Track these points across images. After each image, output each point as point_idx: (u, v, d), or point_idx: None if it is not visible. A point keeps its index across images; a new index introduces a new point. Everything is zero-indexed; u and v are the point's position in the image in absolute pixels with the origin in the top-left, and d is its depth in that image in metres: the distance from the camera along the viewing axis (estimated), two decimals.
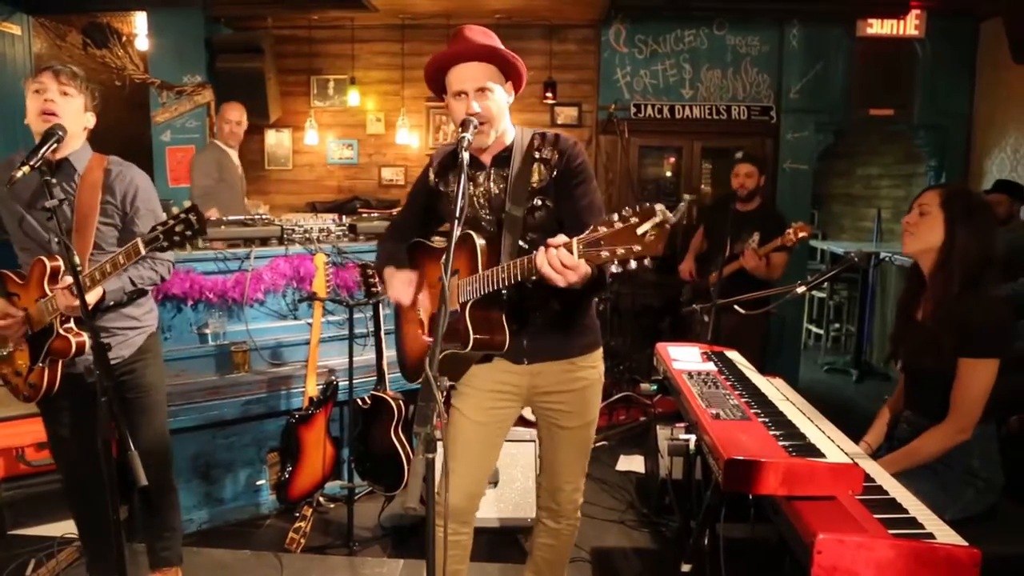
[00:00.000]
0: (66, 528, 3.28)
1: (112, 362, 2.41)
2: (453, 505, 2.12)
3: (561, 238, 1.64)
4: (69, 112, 2.31)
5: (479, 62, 2.00)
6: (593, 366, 2.23)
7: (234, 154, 4.89)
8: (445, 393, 1.49)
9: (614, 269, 1.54)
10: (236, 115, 4.80)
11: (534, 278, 1.73)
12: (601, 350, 2.27)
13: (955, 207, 2.17)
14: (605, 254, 1.52)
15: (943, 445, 2.15)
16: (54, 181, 2.31)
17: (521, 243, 2.04)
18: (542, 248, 1.67)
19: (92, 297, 2.26)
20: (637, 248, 1.47)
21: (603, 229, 1.52)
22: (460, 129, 1.90)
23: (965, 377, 2.12)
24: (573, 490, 2.32)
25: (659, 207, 1.47)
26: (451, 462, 2.12)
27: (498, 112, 2.02)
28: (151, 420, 2.63)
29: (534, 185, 2.07)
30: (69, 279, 2.19)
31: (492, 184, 2.12)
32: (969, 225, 2.16)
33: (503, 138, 2.10)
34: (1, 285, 2.49)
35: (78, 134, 2.40)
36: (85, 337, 2.32)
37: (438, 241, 2.35)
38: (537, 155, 2.09)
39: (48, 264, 2.30)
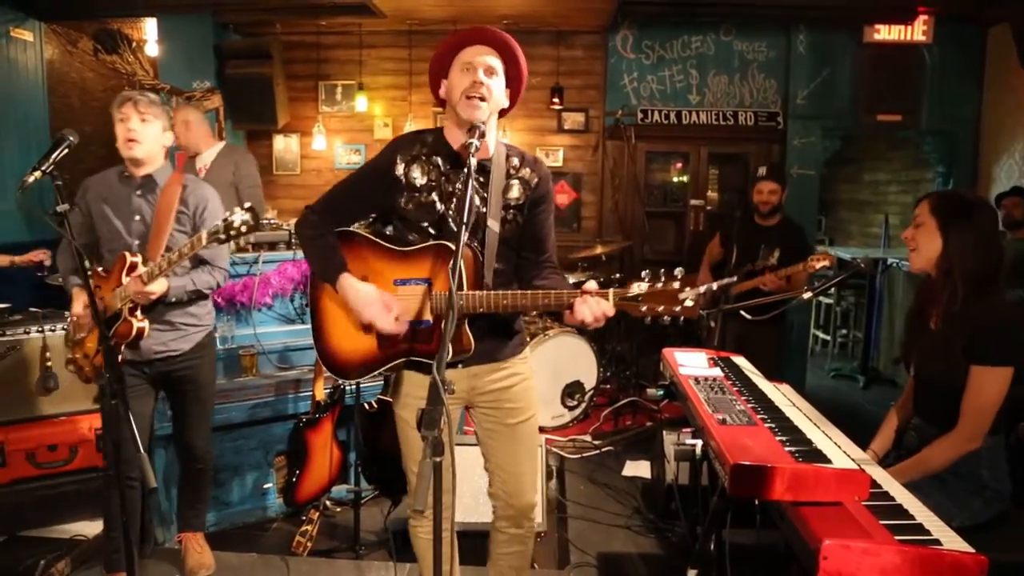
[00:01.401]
0: (77, 530, 3.31)
1: (171, 355, 2.84)
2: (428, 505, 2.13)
3: (592, 285, 1.78)
4: (148, 137, 2.72)
5: (495, 51, 2.03)
6: (524, 361, 2.26)
7: (199, 160, 4.39)
8: (451, 392, 1.51)
9: (646, 322, 1.70)
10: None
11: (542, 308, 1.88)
12: (528, 349, 2.33)
13: (946, 211, 2.18)
14: (644, 308, 1.68)
15: (952, 454, 2.14)
16: (99, 190, 2.78)
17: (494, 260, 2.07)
18: (579, 299, 1.79)
19: (158, 287, 2.62)
20: (676, 310, 1.65)
21: (644, 286, 1.68)
22: (467, 135, 1.92)
23: (976, 385, 2.10)
24: (528, 489, 2.29)
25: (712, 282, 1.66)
26: (413, 469, 2.21)
27: (495, 101, 2.03)
28: (203, 412, 2.99)
29: (510, 201, 2.11)
30: (142, 268, 2.60)
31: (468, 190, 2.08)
32: (963, 227, 2.15)
33: (486, 145, 2.07)
34: (87, 279, 2.60)
35: (158, 153, 2.80)
36: (146, 324, 2.67)
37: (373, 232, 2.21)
38: (515, 172, 2.13)
39: (128, 258, 2.66)
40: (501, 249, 2.09)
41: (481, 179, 2.07)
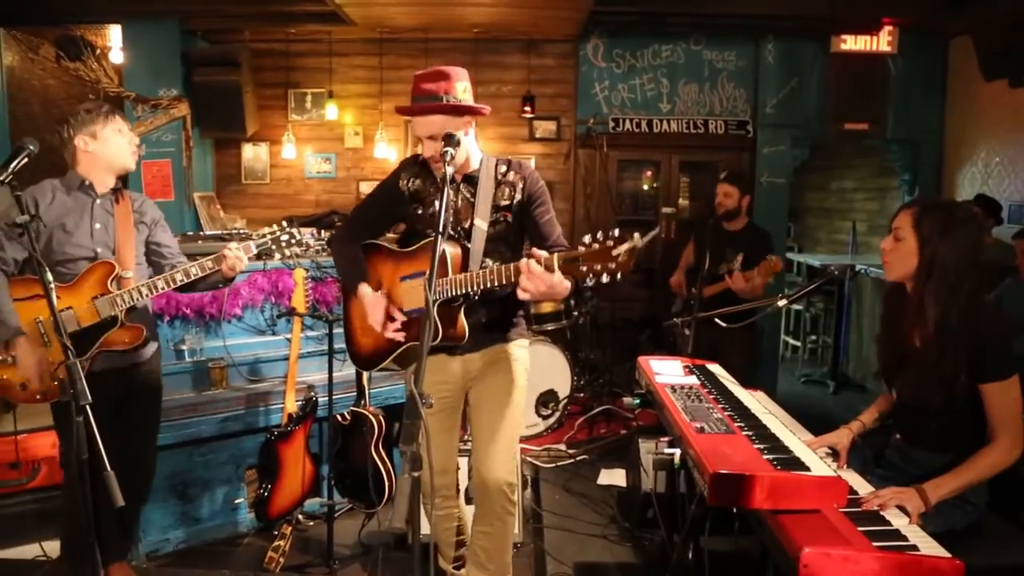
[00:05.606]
0: (37, 551, 3.21)
1: (139, 361, 2.77)
2: (428, 483, 2.35)
3: (542, 253, 1.93)
4: None
5: (430, 116, 2.24)
6: (521, 347, 2.52)
7: None
8: (429, 406, 1.51)
9: (588, 283, 1.83)
10: None
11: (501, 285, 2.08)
12: (527, 333, 2.57)
13: (925, 228, 2.10)
14: (584, 269, 1.81)
15: (1002, 464, 2.04)
16: (94, 197, 2.68)
17: (483, 254, 2.33)
18: (523, 275, 1.94)
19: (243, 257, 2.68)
20: (611, 266, 1.77)
21: (582, 249, 1.82)
22: (443, 143, 2.12)
23: (996, 401, 2.04)
24: (501, 464, 2.39)
25: (636, 234, 1.77)
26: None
27: (463, 150, 2.26)
28: (157, 421, 2.93)
29: (500, 203, 2.38)
30: (126, 274, 2.60)
31: (459, 198, 2.39)
32: (943, 245, 2.07)
33: (470, 161, 2.38)
34: (49, 291, 2.46)
35: None
36: (144, 330, 2.65)
37: (391, 241, 2.56)
38: (503, 178, 2.40)
39: (116, 267, 2.60)
40: (489, 246, 2.35)
41: (471, 188, 2.38)
